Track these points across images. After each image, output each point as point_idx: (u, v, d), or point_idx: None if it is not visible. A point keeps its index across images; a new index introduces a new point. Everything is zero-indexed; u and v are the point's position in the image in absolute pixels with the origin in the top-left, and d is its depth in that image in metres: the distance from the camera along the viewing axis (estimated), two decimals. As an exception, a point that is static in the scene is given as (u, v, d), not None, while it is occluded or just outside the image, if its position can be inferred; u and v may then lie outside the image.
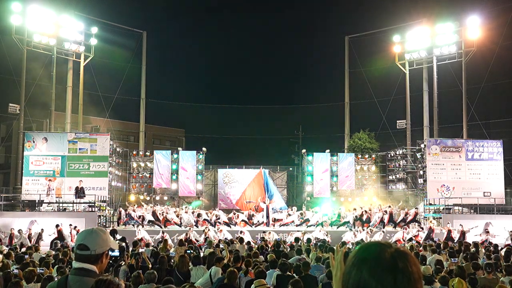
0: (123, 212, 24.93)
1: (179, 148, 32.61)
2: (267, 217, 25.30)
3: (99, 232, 3.15)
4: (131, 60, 37.49)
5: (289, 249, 14.00)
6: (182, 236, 19.79)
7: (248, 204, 28.14)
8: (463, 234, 21.71)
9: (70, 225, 21.62)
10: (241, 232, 21.43)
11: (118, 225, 24.60)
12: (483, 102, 33.75)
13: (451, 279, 7.87)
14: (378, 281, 1.46)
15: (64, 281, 3.07)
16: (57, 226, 21.29)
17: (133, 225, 23.86)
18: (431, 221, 23.44)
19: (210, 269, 8.60)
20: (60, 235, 20.73)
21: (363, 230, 23.03)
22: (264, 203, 26.23)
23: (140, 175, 30.66)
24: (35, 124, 35.61)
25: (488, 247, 15.61)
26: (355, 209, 26.47)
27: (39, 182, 26.26)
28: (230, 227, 24.23)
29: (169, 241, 19.50)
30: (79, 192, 25.14)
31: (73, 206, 24.66)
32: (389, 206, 25.95)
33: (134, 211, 24.58)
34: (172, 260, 11.14)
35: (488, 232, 22.41)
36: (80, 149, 27.02)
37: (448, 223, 23.15)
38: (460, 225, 22.66)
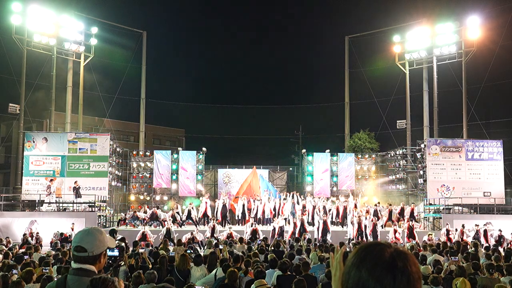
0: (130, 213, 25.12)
1: (179, 148, 32.59)
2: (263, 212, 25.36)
3: (95, 233, 3.14)
4: (131, 60, 37.54)
5: (289, 249, 14.00)
6: (187, 236, 19.71)
7: (236, 199, 28.21)
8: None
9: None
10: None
11: (118, 225, 24.58)
12: (483, 102, 33.78)
13: (455, 279, 7.87)
14: (377, 280, 1.46)
15: (63, 281, 3.07)
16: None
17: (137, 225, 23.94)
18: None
19: (215, 269, 8.60)
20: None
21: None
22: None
23: (140, 175, 30.65)
24: (35, 124, 35.62)
25: (488, 247, 15.62)
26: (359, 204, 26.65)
27: (39, 182, 26.24)
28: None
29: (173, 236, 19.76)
30: (77, 192, 25.08)
31: (73, 206, 24.60)
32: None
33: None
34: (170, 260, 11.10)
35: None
36: (80, 149, 27.01)
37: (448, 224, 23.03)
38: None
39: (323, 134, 41.92)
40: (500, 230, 21.29)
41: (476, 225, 22.17)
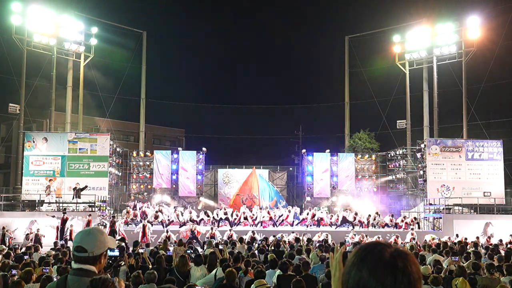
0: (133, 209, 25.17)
1: (179, 148, 32.60)
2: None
3: (96, 233, 3.14)
4: (131, 60, 37.52)
5: (289, 249, 14.00)
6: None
7: (237, 197, 28.33)
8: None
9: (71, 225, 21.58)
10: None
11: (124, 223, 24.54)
12: (483, 102, 33.73)
13: (454, 279, 7.87)
14: (378, 280, 1.46)
15: (63, 281, 3.07)
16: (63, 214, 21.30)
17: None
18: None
19: (215, 269, 8.59)
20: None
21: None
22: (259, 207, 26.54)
23: (140, 175, 30.65)
24: (35, 124, 35.60)
25: (488, 247, 15.62)
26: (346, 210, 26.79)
27: (39, 182, 26.24)
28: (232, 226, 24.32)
29: (173, 237, 19.79)
30: (78, 192, 25.00)
31: (75, 206, 24.50)
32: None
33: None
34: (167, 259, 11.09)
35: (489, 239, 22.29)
36: (80, 149, 27.00)
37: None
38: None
39: (323, 134, 41.91)
40: (500, 240, 21.19)
41: None
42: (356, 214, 25.78)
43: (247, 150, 41.77)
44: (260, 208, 26.59)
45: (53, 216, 21.40)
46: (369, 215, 25.65)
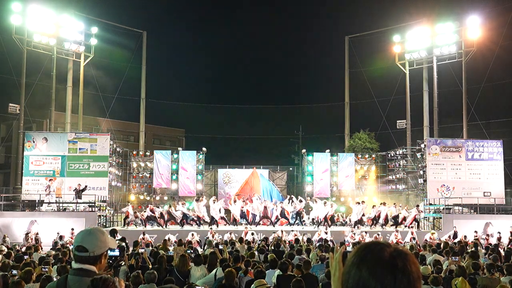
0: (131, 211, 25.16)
1: (179, 148, 32.58)
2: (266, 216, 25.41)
3: (97, 233, 3.14)
4: (131, 60, 37.56)
5: (289, 249, 14.00)
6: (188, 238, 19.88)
7: (238, 198, 28.37)
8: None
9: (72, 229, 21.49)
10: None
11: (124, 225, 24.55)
12: (483, 102, 33.75)
13: (454, 279, 7.88)
14: (377, 280, 1.46)
15: (64, 281, 3.07)
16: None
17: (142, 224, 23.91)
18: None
19: (215, 269, 8.59)
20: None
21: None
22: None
23: (140, 175, 30.64)
24: (35, 124, 35.62)
25: (488, 247, 15.62)
26: (358, 203, 26.29)
27: (39, 182, 26.21)
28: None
29: (173, 239, 19.71)
30: (79, 193, 24.94)
31: (75, 206, 24.45)
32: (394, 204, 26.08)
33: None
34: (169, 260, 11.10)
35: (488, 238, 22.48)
36: (80, 149, 26.99)
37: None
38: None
39: (323, 134, 41.94)
40: (499, 232, 21.34)
41: None
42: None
43: (247, 150, 41.88)
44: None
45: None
46: (373, 206, 25.77)
